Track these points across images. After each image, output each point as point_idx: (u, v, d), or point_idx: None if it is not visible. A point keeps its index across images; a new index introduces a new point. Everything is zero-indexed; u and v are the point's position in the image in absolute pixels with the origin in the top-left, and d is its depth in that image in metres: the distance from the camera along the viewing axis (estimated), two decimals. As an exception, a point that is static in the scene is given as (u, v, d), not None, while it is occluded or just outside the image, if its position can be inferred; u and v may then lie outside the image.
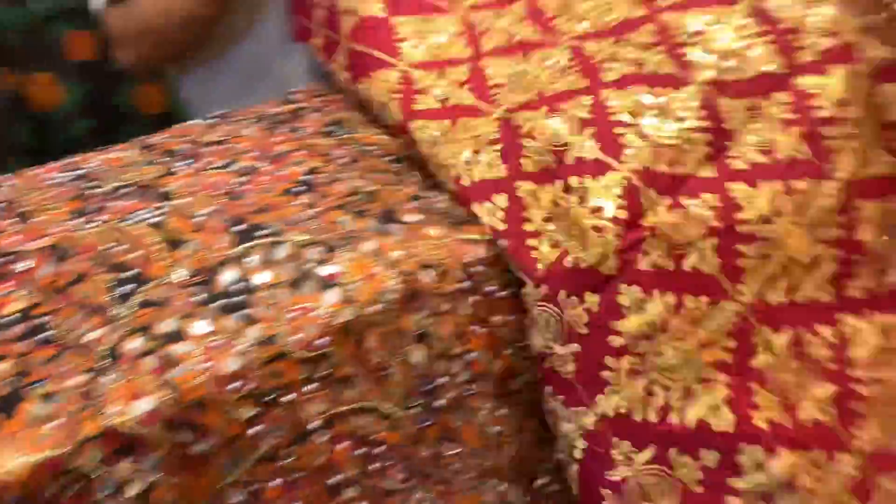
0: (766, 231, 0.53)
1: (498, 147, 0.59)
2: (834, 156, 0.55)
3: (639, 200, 0.53)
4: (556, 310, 0.53)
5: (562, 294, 0.52)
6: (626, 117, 0.56)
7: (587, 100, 0.58)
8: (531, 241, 0.55)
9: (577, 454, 0.55)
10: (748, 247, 0.53)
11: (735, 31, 0.59)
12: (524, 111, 0.61)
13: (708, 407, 0.52)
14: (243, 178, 0.62)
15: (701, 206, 0.52)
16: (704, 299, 0.52)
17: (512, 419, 0.61)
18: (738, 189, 0.53)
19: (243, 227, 0.54)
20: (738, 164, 0.55)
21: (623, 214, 0.52)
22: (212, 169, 0.64)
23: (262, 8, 0.93)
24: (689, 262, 0.52)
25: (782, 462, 0.51)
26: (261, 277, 0.51)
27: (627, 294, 0.52)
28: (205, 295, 0.49)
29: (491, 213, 0.56)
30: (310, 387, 0.49)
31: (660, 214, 0.52)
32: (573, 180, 0.54)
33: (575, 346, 0.53)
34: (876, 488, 0.52)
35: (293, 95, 0.77)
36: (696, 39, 0.60)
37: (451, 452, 0.58)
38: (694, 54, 0.59)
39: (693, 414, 0.52)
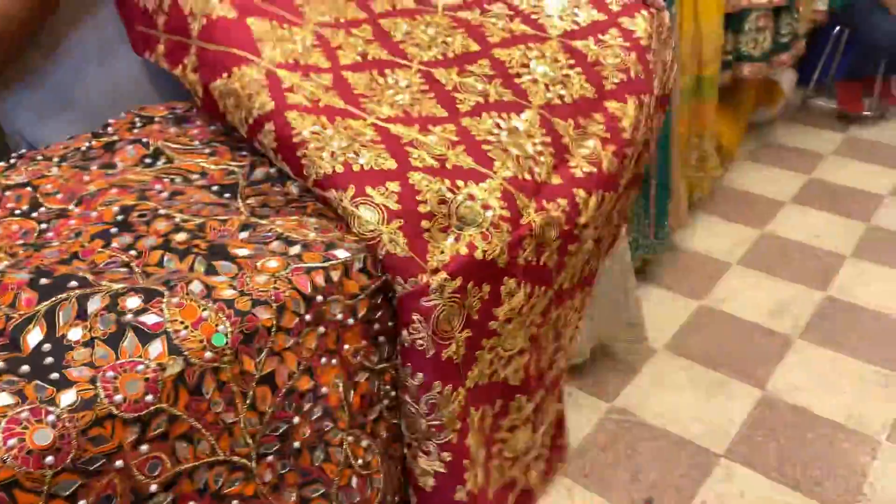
0: (584, 234, 0.66)
1: (381, 147, 0.60)
2: (623, 172, 0.70)
3: (515, 203, 0.59)
4: (461, 299, 0.57)
5: (469, 284, 0.56)
6: (488, 137, 0.64)
7: (451, 127, 0.65)
8: (424, 223, 0.56)
9: (454, 438, 0.59)
10: (572, 246, 0.65)
11: (552, 62, 0.72)
12: (397, 124, 0.64)
13: (514, 370, 0.66)
14: (48, 225, 0.56)
15: (557, 210, 0.61)
16: (544, 289, 0.64)
17: (376, 448, 0.59)
18: (579, 195, 0.63)
19: (48, 280, 0.48)
20: (578, 173, 0.65)
21: (507, 214, 0.58)
22: (13, 216, 0.57)
23: (92, 9, 0.83)
24: (543, 258, 0.62)
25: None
26: (73, 335, 0.45)
27: (506, 285, 0.59)
28: (3, 363, 0.43)
29: (384, 195, 0.56)
30: (143, 447, 0.44)
31: (531, 215, 0.60)
32: (459, 182, 0.59)
33: (468, 332, 0.58)
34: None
35: (105, 128, 0.70)
36: (524, 71, 0.71)
37: (316, 495, 0.55)
38: (525, 82, 0.70)
39: (503, 374, 0.65)
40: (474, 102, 0.68)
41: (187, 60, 0.70)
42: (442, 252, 0.55)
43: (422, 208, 0.56)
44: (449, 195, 0.57)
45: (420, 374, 0.56)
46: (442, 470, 0.59)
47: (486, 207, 0.58)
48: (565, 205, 0.62)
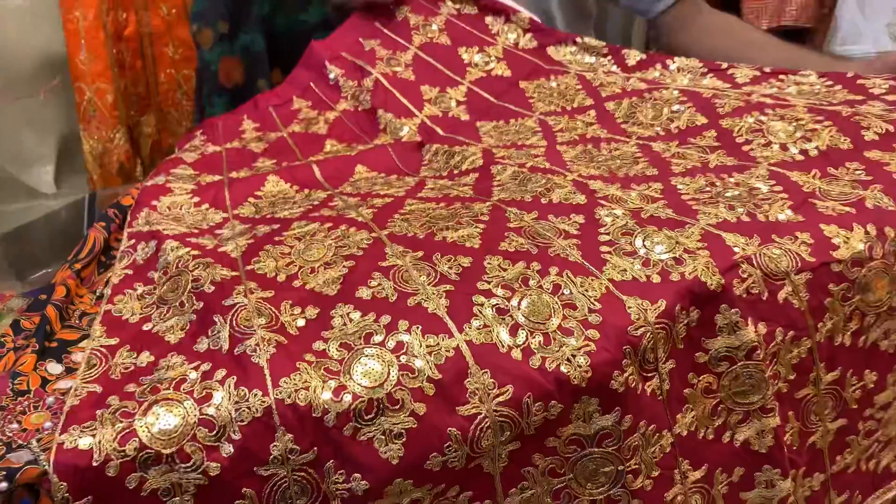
0: (858, 276, 0.60)
1: (480, 227, 0.65)
2: None
3: (720, 239, 0.59)
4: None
5: (677, 307, 0.56)
6: (697, 195, 0.67)
7: (657, 185, 0.70)
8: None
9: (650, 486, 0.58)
10: (836, 287, 0.59)
11: (792, 121, 0.74)
12: (597, 181, 0.70)
13: (755, 432, 0.59)
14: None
15: (793, 243, 0.59)
16: (791, 333, 0.58)
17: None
18: (830, 230, 0.61)
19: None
20: (827, 212, 0.63)
21: (705, 250, 0.59)
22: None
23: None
24: (783, 295, 0.58)
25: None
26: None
27: (723, 314, 0.57)
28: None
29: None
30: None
31: (747, 248, 0.59)
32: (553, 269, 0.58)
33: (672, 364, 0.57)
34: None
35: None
36: (755, 136, 0.74)
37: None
38: (754, 147, 0.73)
39: (741, 435, 0.59)
40: (690, 166, 0.71)
41: None
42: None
43: (480, 285, 0.56)
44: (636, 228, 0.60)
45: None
46: None
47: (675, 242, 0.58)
48: (807, 238, 0.59)
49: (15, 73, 1.48)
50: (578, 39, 1.01)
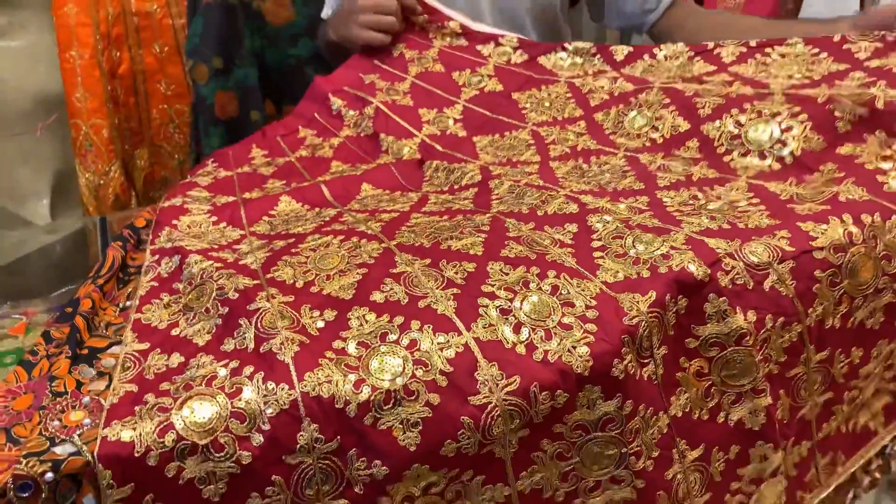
0: (845, 261, 0.64)
1: (482, 237, 0.69)
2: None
3: (706, 244, 0.63)
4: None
5: (667, 296, 0.60)
6: (680, 207, 0.71)
7: (644, 198, 0.74)
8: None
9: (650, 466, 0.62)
10: (822, 273, 0.62)
11: (769, 119, 0.77)
12: (587, 195, 0.75)
13: (749, 412, 0.63)
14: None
15: (774, 238, 0.63)
16: (781, 319, 0.62)
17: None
18: (807, 226, 0.64)
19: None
20: (804, 212, 0.66)
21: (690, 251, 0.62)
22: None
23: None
24: (769, 283, 0.61)
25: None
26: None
27: (711, 302, 0.60)
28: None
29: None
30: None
31: (729, 246, 0.63)
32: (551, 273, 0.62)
33: (665, 349, 0.61)
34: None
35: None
36: (734, 144, 0.78)
37: None
38: (734, 158, 0.78)
39: (735, 415, 0.63)
40: (675, 180, 0.76)
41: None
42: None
43: (485, 287, 0.60)
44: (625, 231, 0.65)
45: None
46: (632, 497, 0.59)
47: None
48: (785, 234, 0.63)
49: (12, 110, 1.53)
50: (567, 45, 1.05)
